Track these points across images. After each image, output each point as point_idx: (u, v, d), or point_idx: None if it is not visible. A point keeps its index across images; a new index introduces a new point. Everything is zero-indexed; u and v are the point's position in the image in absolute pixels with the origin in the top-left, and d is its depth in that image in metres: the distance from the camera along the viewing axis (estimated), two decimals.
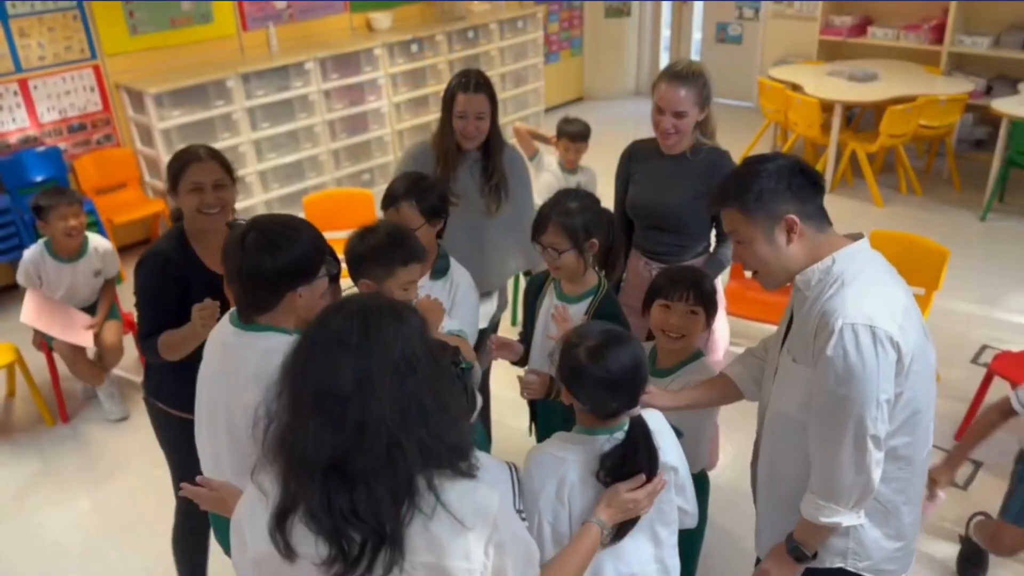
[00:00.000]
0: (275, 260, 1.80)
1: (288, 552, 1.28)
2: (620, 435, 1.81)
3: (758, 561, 2.08)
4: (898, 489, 1.87)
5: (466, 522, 1.29)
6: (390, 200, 2.51)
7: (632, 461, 1.77)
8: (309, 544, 1.27)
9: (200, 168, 2.37)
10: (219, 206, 2.38)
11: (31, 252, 3.85)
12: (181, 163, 2.39)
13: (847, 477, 1.77)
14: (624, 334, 1.86)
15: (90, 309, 3.98)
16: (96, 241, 3.95)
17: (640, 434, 1.79)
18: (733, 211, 1.82)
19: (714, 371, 2.38)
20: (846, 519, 1.80)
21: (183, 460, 2.55)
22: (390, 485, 1.24)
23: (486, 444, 2.57)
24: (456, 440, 1.32)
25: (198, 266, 2.39)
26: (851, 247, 1.80)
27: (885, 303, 1.71)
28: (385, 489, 1.24)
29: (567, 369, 1.82)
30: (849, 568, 1.94)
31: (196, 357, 2.23)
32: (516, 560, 1.37)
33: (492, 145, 2.89)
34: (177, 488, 2.59)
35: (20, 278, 3.87)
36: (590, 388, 1.78)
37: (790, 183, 1.76)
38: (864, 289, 1.72)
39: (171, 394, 2.44)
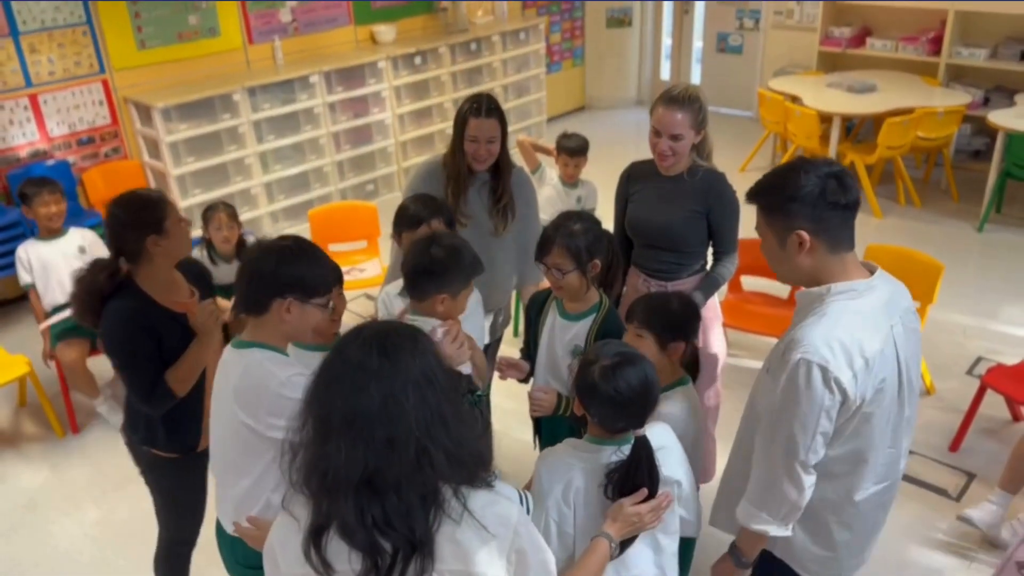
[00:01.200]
0: (279, 264, 1.91)
1: (325, 568, 1.34)
2: (627, 448, 1.90)
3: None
4: (830, 509, 1.96)
5: (490, 529, 1.37)
6: (416, 221, 2.57)
7: (634, 477, 1.86)
8: (343, 560, 1.33)
9: (171, 202, 2.44)
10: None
11: (21, 246, 4.07)
12: (164, 203, 2.38)
13: (776, 493, 1.87)
14: (638, 356, 1.95)
15: None
16: (75, 227, 4.20)
17: (643, 453, 1.87)
18: (758, 209, 1.87)
19: (695, 396, 2.44)
20: (773, 529, 1.91)
21: (178, 496, 2.64)
22: (419, 492, 1.32)
23: None
24: (477, 447, 1.40)
25: (159, 310, 2.37)
26: (849, 283, 1.83)
27: (848, 347, 1.76)
28: (415, 496, 1.32)
29: (582, 384, 1.93)
30: (777, 555, 2.06)
31: (186, 397, 2.36)
32: (536, 568, 1.45)
33: (502, 168, 2.95)
34: (162, 520, 2.69)
35: (20, 272, 4.03)
36: (600, 405, 1.89)
37: (817, 199, 1.77)
38: (835, 330, 1.77)
39: (164, 438, 2.46)
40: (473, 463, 1.38)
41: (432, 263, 2.23)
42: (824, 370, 1.74)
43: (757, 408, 2.00)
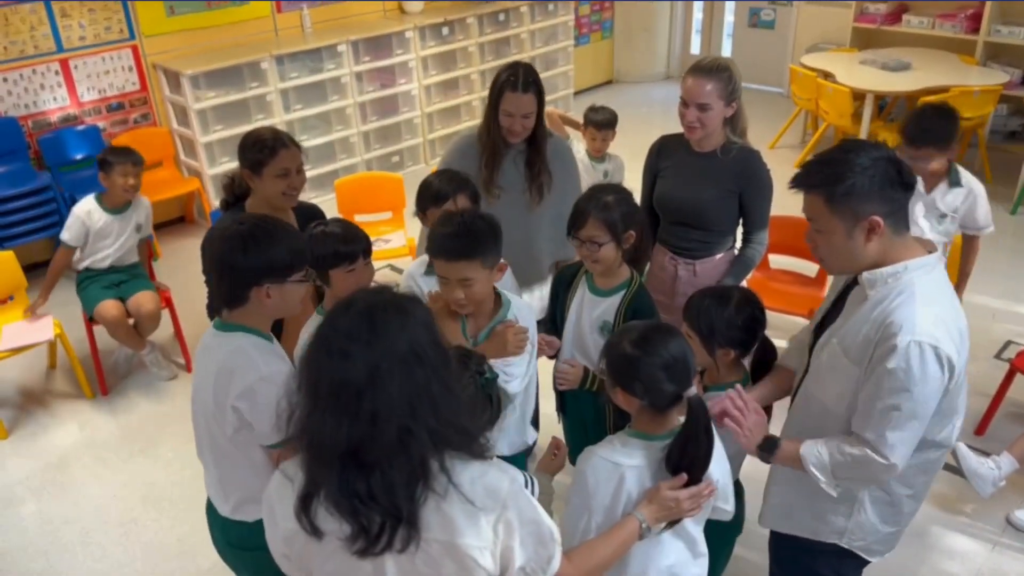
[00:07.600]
0: (247, 255, 1.85)
1: (314, 531, 1.37)
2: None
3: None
4: (907, 485, 1.96)
5: (476, 502, 1.37)
6: (442, 197, 2.51)
7: (694, 440, 1.77)
8: (333, 523, 1.36)
9: (288, 154, 2.75)
10: (298, 190, 2.83)
11: (82, 204, 4.01)
12: (270, 151, 2.69)
13: (868, 470, 1.85)
14: (661, 324, 1.90)
15: (131, 269, 4.17)
16: (139, 197, 4.16)
17: (699, 412, 1.77)
18: (818, 199, 1.79)
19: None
20: (829, 487, 1.90)
21: None
22: (404, 469, 1.32)
23: (522, 460, 2.53)
24: (465, 423, 1.39)
25: None
26: (924, 259, 1.81)
27: (949, 325, 1.76)
28: (399, 474, 1.32)
29: (617, 366, 1.82)
30: (843, 545, 2.05)
31: None
32: (525, 539, 1.44)
33: (538, 141, 2.87)
34: None
35: (65, 234, 4.00)
36: (644, 375, 1.77)
37: (882, 182, 1.73)
38: (933, 308, 1.76)
39: None
40: (459, 439, 1.37)
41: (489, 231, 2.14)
42: (936, 349, 1.72)
43: (818, 396, 1.96)
